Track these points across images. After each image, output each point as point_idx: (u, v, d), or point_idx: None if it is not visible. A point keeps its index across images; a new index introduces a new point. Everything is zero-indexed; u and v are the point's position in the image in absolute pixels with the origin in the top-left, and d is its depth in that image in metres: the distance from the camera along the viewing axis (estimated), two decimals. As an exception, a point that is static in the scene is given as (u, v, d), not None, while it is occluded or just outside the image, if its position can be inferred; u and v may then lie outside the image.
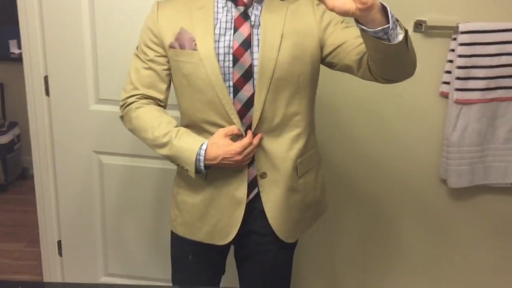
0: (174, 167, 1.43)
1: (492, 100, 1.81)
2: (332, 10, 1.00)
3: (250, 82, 1.29)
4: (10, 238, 2.83)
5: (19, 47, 2.61)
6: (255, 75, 1.29)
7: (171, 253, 1.54)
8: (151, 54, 1.35)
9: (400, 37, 1.07)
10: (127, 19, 1.83)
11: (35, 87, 1.98)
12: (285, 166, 1.36)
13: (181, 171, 1.44)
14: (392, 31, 1.05)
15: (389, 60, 1.14)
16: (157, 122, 1.33)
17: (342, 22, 1.33)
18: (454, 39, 1.78)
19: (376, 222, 2.06)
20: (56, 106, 1.97)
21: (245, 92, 1.30)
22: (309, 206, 1.46)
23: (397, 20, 1.07)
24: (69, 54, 1.90)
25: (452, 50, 1.79)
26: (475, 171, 1.89)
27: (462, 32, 1.74)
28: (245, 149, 1.29)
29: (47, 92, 1.97)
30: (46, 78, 1.96)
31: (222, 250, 1.50)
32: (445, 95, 1.86)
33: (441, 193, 1.99)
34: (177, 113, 1.44)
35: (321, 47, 1.34)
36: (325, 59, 1.35)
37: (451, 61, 1.81)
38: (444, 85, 1.85)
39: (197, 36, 1.29)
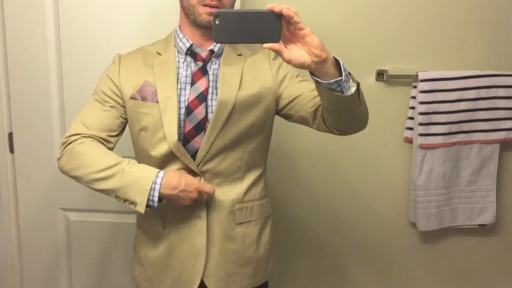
0: (145, 222, 1.39)
1: (454, 143, 1.87)
2: (288, 62, 1.04)
3: (201, 135, 1.31)
4: (-33, 304, 2.69)
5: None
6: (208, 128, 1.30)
7: None
8: (110, 101, 1.35)
9: (353, 89, 1.12)
10: (95, 73, 1.81)
11: (-2, 145, 1.93)
12: (221, 209, 1.35)
13: (141, 223, 1.42)
14: (345, 83, 1.10)
15: (342, 112, 1.18)
16: (104, 154, 1.26)
17: (297, 76, 1.39)
18: (415, 86, 1.86)
19: (343, 271, 2.05)
20: (21, 163, 1.92)
21: (194, 143, 1.31)
22: (248, 262, 1.41)
23: (350, 74, 1.13)
24: (35, 109, 1.87)
25: (414, 97, 1.87)
26: (443, 214, 1.93)
27: (422, 80, 1.81)
28: (203, 192, 1.30)
29: (12, 149, 1.93)
30: (10, 135, 1.92)
31: None
32: (409, 141, 1.92)
33: (411, 237, 2.02)
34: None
35: (277, 100, 1.38)
36: (281, 111, 1.39)
37: (413, 108, 1.88)
38: (408, 130, 1.91)
39: (159, 90, 1.31)
